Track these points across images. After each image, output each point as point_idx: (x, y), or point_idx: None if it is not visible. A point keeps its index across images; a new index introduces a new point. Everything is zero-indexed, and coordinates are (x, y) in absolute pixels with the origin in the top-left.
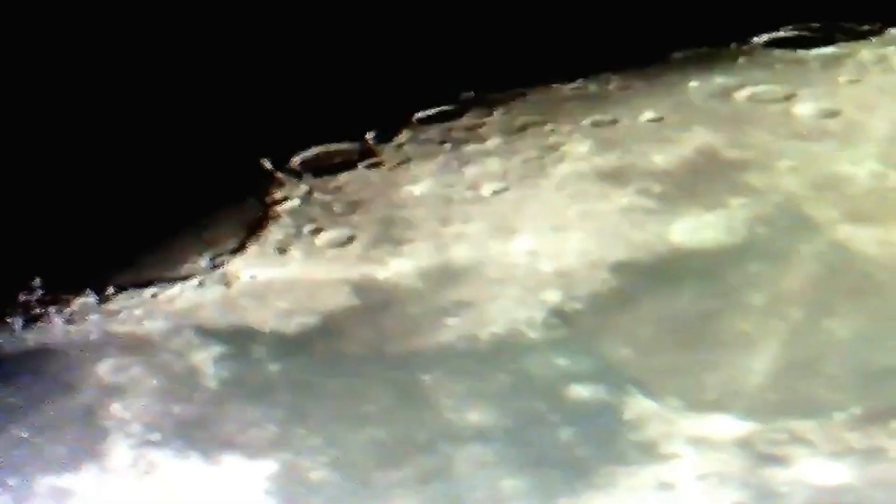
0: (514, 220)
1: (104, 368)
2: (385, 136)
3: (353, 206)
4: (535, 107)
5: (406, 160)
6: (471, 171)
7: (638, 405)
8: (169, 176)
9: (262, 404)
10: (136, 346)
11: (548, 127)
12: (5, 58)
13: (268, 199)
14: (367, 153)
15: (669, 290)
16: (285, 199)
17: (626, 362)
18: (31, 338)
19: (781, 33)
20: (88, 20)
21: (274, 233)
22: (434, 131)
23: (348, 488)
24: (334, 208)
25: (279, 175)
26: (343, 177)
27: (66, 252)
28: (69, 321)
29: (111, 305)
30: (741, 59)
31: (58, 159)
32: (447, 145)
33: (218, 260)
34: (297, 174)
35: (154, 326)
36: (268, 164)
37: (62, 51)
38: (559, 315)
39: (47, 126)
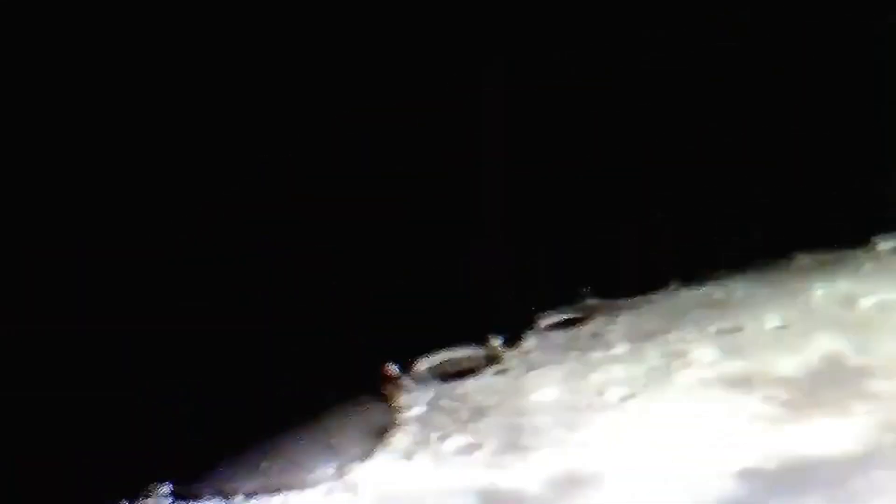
0: (640, 426)
1: None
2: (511, 342)
3: (479, 413)
4: (660, 314)
5: (532, 367)
6: (596, 378)
7: None
8: (295, 381)
9: None
10: None
11: (673, 334)
12: None
13: (393, 405)
14: (492, 359)
15: (796, 499)
16: (411, 405)
17: None
18: None
19: None
20: None
21: (400, 439)
22: (560, 337)
23: None
24: (461, 415)
25: (405, 381)
26: (469, 383)
27: (194, 459)
28: None
29: None
30: (867, 265)
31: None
32: (573, 352)
33: (345, 467)
34: (423, 380)
35: None
36: (394, 370)
37: None
38: None
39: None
